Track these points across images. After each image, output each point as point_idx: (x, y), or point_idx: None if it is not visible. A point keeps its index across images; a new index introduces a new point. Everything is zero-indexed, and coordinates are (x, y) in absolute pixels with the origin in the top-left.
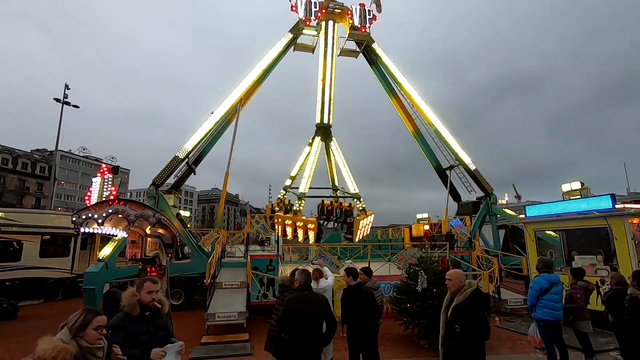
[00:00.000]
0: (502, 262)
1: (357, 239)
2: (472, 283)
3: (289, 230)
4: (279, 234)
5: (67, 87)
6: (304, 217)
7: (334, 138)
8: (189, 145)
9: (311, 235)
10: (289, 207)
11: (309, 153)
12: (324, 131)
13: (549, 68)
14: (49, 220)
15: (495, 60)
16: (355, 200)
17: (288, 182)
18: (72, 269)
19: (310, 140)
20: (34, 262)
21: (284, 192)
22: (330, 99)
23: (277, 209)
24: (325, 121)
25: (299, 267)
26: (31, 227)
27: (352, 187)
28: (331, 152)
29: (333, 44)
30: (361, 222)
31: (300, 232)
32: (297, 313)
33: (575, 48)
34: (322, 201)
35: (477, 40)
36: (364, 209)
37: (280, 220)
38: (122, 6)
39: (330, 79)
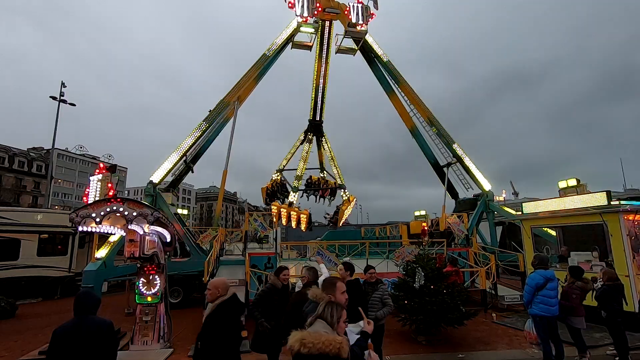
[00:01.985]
0: (499, 258)
1: (340, 224)
2: (229, 292)
3: (284, 218)
4: (275, 221)
5: (63, 84)
6: (297, 209)
7: (325, 134)
8: (187, 143)
9: (303, 224)
10: (282, 186)
11: (301, 147)
12: (315, 127)
13: (548, 62)
14: (47, 219)
15: (494, 53)
16: (341, 190)
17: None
18: (71, 268)
19: (302, 136)
20: (32, 261)
21: (277, 173)
22: (322, 97)
23: (269, 191)
24: (317, 118)
25: (286, 267)
26: (29, 225)
27: (339, 180)
28: (322, 146)
29: (328, 43)
30: (345, 211)
31: (293, 221)
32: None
33: (575, 41)
34: (310, 176)
35: (476, 32)
36: (348, 199)
37: (276, 210)
38: (118, 0)
39: (324, 78)
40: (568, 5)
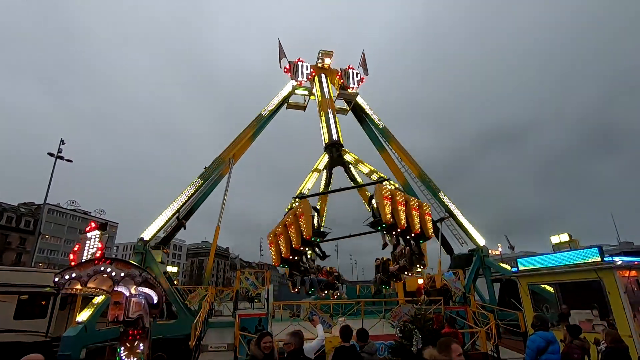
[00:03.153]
0: (499, 317)
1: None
2: None
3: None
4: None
5: (62, 142)
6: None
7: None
8: (180, 200)
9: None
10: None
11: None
12: (335, 150)
13: (531, 120)
14: (28, 278)
15: (481, 111)
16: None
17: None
18: (48, 332)
19: (319, 165)
20: (7, 324)
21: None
22: (335, 119)
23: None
24: (335, 138)
25: (269, 332)
26: (8, 285)
27: None
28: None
29: (328, 88)
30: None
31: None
32: None
33: (555, 99)
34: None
35: (462, 93)
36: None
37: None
38: (117, 56)
39: (331, 104)
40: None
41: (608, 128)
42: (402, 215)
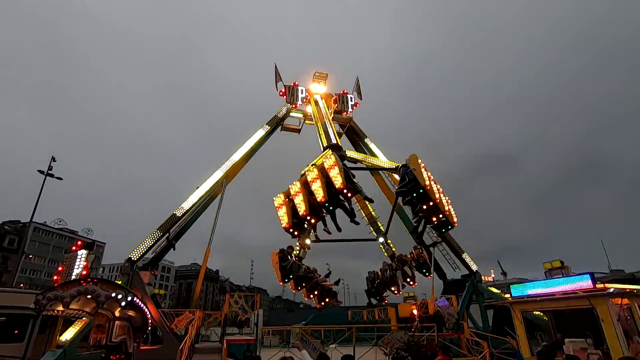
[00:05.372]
0: (493, 345)
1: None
2: None
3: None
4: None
5: (53, 159)
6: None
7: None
8: (171, 220)
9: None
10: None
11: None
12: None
13: (520, 148)
14: (8, 299)
15: (472, 137)
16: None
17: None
18: (25, 357)
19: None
20: None
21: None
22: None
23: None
24: (333, 141)
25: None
26: None
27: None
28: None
29: (324, 105)
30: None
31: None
32: None
33: (542, 129)
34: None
35: (454, 120)
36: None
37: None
38: (111, 80)
39: (327, 114)
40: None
41: (596, 158)
42: (435, 190)
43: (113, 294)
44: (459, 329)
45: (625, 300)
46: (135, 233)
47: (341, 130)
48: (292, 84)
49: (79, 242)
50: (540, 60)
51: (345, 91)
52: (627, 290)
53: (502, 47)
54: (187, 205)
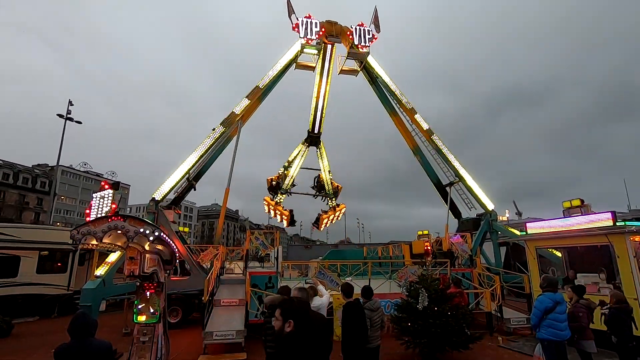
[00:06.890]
0: (504, 279)
1: (320, 229)
2: None
3: (272, 212)
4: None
5: (70, 103)
6: (281, 208)
7: (322, 145)
8: (190, 161)
9: (285, 222)
10: (282, 181)
11: (298, 154)
12: (313, 138)
13: (548, 81)
14: (48, 236)
15: (495, 73)
16: (328, 199)
17: (286, 163)
18: (69, 286)
19: (301, 144)
20: (31, 278)
21: (283, 170)
22: (322, 111)
23: (274, 183)
24: (316, 130)
25: (298, 285)
26: (29, 242)
27: (331, 188)
28: (319, 155)
29: (330, 64)
30: (326, 218)
31: (279, 216)
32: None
33: (576, 60)
34: (319, 175)
35: (477, 54)
36: (333, 207)
37: (267, 203)
38: (127, 20)
39: (325, 93)
40: (564, 28)
41: (628, 92)
42: None
43: (141, 230)
44: (471, 265)
45: None
46: (156, 176)
47: (357, 67)
48: (305, 17)
49: (105, 183)
50: None
51: (362, 23)
52: None
53: None
54: (203, 147)
